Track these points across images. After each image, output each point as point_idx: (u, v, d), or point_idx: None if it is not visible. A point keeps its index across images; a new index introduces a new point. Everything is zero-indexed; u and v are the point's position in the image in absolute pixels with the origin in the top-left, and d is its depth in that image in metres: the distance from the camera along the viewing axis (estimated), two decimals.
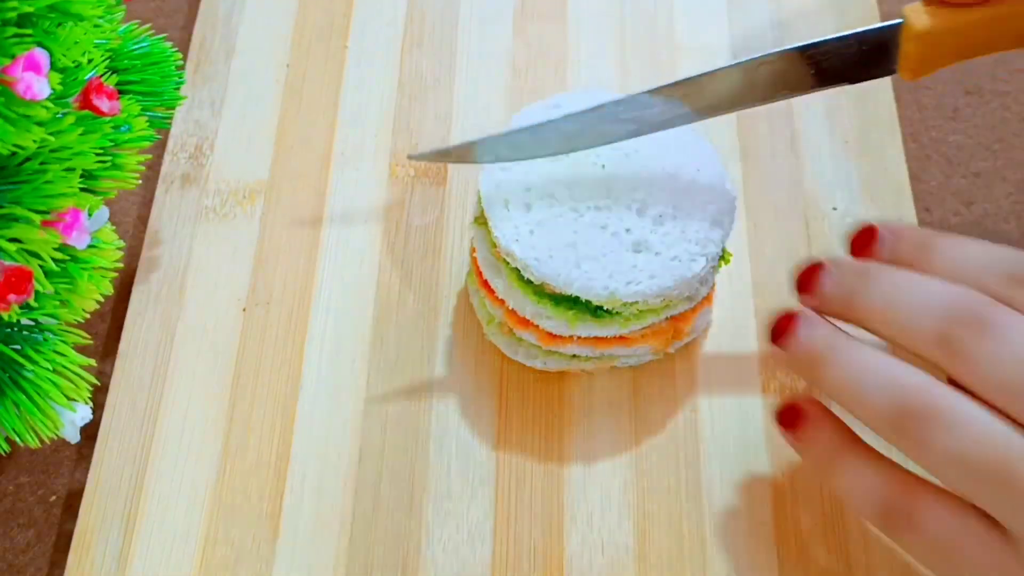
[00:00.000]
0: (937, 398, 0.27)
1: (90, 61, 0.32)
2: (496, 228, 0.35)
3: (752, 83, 0.31)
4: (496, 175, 0.36)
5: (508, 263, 0.35)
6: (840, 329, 0.30)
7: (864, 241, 0.31)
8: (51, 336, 0.33)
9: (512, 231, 0.35)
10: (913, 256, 0.30)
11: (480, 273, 0.37)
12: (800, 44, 0.30)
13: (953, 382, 0.28)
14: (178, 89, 0.38)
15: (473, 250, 0.37)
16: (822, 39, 0.30)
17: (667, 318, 0.36)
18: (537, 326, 0.36)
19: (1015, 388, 0.26)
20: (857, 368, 0.29)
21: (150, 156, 0.42)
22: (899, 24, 0.30)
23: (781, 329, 0.31)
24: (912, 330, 0.28)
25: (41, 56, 0.28)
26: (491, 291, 0.36)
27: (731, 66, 0.30)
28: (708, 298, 0.38)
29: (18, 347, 0.32)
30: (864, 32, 0.30)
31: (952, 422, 0.26)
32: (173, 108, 0.38)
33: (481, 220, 0.37)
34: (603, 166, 0.35)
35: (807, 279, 0.31)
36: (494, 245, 0.36)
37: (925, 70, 0.31)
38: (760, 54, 0.30)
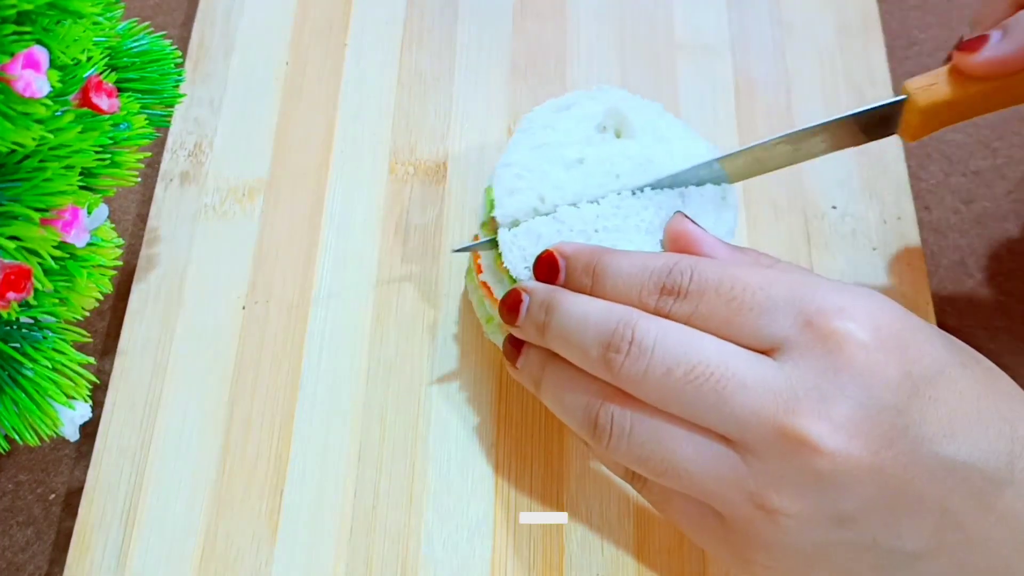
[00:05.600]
0: (635, 328, 0.29)
1: (89, 59, 0.32)
2: (504, 257, 0.34)
3: (770, 157, 0.36)
4: (510, 183, 0.35)
5: (512, 276, 0.35)
6: (559, 287, 0.33)
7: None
8: (50, 334, 0.33)
9: (520, 260, 0.34)
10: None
11: (480, 273, 0.37)
12: (820, 122, 0.34)
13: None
14: (177, 87, 0.38)
15: (476, 255, 0.37)
16: (840, 116, 0.34)
17: None
18: None
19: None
20: (569, 315, 0.31)
21: (149, 154, 0.42)
22: (903, 100, 0.34)
23: (511, 307, 0.33)
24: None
25: (40, 54, 0.27)
26: (490, 292, 0.36)
27: (767, 141, 0.35)
28: None
29: (17, 345, 0.32)
30: (872, 109, 0.34)
31: (648, 347, 0.29)
32: (172, 106, 0.38)
33: (489, 227, 0.37)
34: (617, 176, 0.35)
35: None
36: (499, 257, 0.36)
37: (923, 134, 0.35)
38: (788, 132, 0.35)
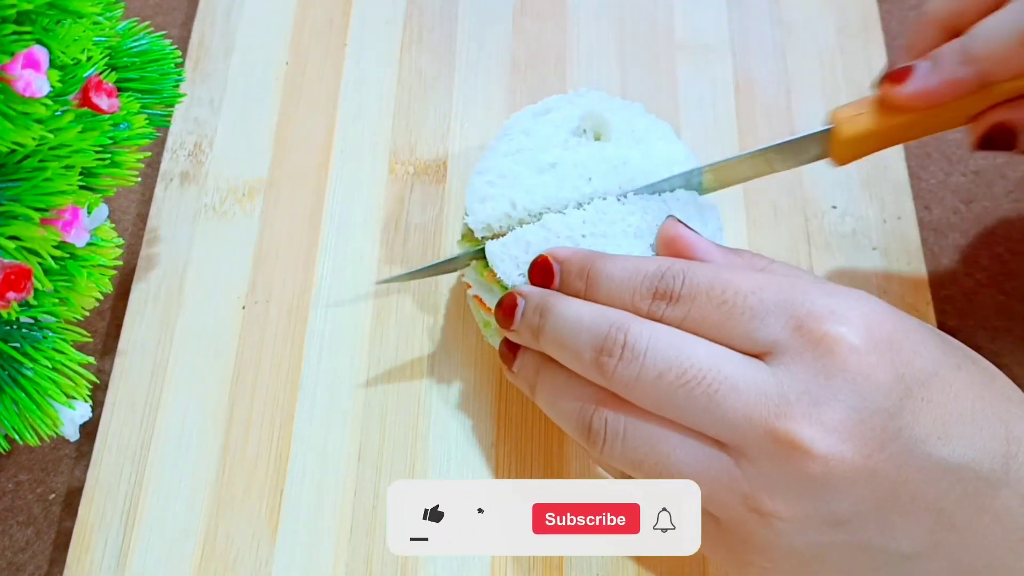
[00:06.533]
0: (627, 332, 0.29)
1: (89, 59, 0.32)
2: (496, 267, 0.34)
3: (732, 172, 0.37)
4: (482, 190, 0.35)
5: (501, 285, 0.35)
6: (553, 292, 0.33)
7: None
8: (50, 334, 0.33)
9: (513, 267, 0.34)
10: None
11: (470, 288, 0.37)
12: (755, 149, 0.36)
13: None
14: (177, 87, 0.38)
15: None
16: (769, 144, 0.35)
17: None
18: None
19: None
20: (563, 318, 0.31)
21: (149, 154, 0.42)
22: (829, 130, 0.34)
23: (507, 311, 0.33)
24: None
25: (40, 53, 0.28)
26: (483, 303, 0.36)
27: (720, 162, 0.36)
28: None
29: (17, 345, 0.32)
30: (799, 138, 0.35)
31: (641, 351, 0.29)
32: (172, 106, 0.38)
33: (469, 238, 0.37)
34: (590, 178, 0.35)
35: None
36: (484, 268, 0.35)
37: (852, 159, 0.35)
38: (737, 154, 0.36)
